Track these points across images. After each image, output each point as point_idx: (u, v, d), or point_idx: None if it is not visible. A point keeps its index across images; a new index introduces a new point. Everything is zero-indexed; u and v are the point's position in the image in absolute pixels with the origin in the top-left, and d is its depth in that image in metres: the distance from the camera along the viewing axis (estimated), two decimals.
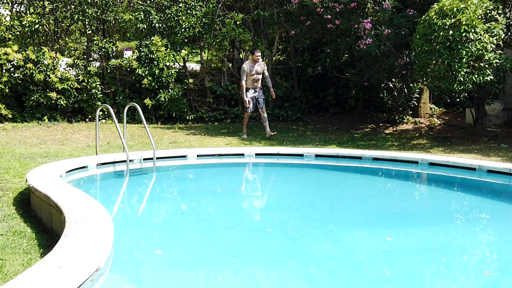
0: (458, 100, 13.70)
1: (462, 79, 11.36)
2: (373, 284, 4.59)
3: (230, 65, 16.32)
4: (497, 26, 11.78)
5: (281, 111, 15.63)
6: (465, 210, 7.49)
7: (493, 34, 11.73)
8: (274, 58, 16.46)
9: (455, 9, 11.52)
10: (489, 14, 12.10)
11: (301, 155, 9.89)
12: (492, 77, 11.65)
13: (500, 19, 12.05)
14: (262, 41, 15.67)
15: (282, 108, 15.76)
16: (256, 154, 9.97)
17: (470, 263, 5.25)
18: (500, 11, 12.59)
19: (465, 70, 11.39)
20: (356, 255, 5.34)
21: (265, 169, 10.03)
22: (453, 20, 11.43)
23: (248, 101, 12.64)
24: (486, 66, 11.62)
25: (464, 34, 11.30)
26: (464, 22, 11.36)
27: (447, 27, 11.42)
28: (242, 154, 9.99)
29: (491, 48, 11.65)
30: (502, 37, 12.12)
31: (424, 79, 12.70)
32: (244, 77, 12.53)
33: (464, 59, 11.37)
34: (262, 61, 13.29)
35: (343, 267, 5.04)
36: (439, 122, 14.44)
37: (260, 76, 12.69)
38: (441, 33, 11.45)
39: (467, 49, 11.32)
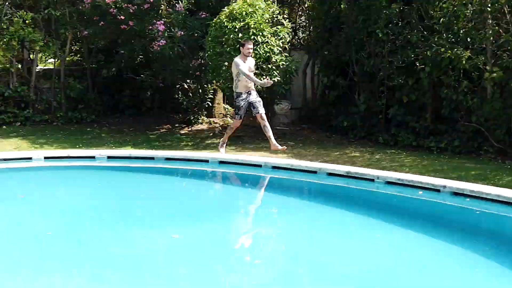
0: None
1: None
2: (163, 282, 4.63)
3: (19, 66, 15.49)
4: (283, 30, 12.46)
5: (74, 113, 15.13)
6: (251, 205, 7.83)
7: (279, 38, 12.38)
8: (67, 58, 15.91)
9: (244, 13, 11.99)
10: (276, 18, 12.76)
11: (93, 157, 9.68)
12: (279, 78, 12.29)
13: (286, 23, 12.75)
14: (54, 41, 15.07)
15: (75, 110, 15.28)
16: (45, 158, 9.56)
17: (256, 255, 5.49)
18: (285, 16, 13.31)
19: (255, 71, 11.87)
20: (144, 254, 5.34)
21: (54, 173, 9.64)
22: (242, 24, 11.89)
23: (240, 107, 10.04)
24: (274, 67, 12.24)
25: (252, 37, 11.79)
26: (252, 26, 11.86)
27: (237, 30, 11.85)
28: (30, 158, 9.53)
29: (278, 51, 12.29)
30: (288, 40, 12.83)
31: (217, 80, 13.04)
32: (243, 67, 9.81)
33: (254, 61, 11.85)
34: None
35: (131, 266, 5.01)
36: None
37: (251, 74, 10.25)
38: (232, 36, 11.85)
39: (256, 51, 11.83)
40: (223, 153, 10.00)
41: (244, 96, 9.95)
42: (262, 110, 10.06)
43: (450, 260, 5.39)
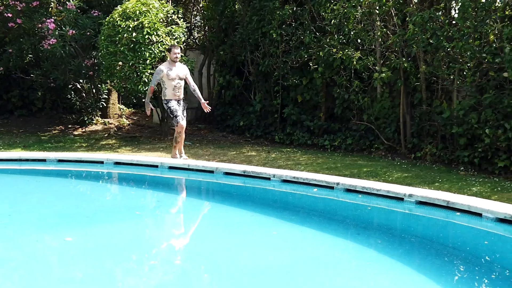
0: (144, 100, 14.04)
1: (147, 80, 11.69)
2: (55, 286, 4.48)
3: None
4: (178, 30, 12.38)
5: None
6: (148, 205, 7.72)
7: (174, 37, 12.29)
8: None
9: (138, 12, 11.81)
10: (170, 18, 12.66)
11: None
12: None
13: (180, 23, 12.67)
14: None
15: None
16: None
17: (152, 256, 5.41)
18: (180, 16, 13.23)
19: (149, 71, 11.74)
20: (36, 258, 5.15)
21: None
22: (136, 23, 11.71)
23: (173, 110, 9.63)
24: None
25: (147, 36, 11.65)
26: (146, 25, 11.71)
27: (130, 29, 11.66)
28: None
29: None
30: (183, 40, 12.77)
31: (111, 80, 12.78)
32: (155, 81, 9.66)
33: (148, 61, 11.72)
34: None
35: (23, 271, 4.81)
36: (128, 122, 14.68)
37: (182, 83, 9.75)
38: (125, 35, 11.65)
39: (151, 51, 11.70)
40: (186, 158, 9.79)
41: (173, 102, 9.65)
42: (184, 123, 9.73)
43: (344, 255, 5.56)
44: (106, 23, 12.09)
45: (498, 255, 5.54)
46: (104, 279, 4.67)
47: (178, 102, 9.70)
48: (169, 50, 9.75)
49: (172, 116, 9.78)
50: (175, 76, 9.57)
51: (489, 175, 8.80)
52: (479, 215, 6.13)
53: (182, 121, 9.68)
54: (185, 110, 9.91)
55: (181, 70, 9.75)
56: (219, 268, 5.03)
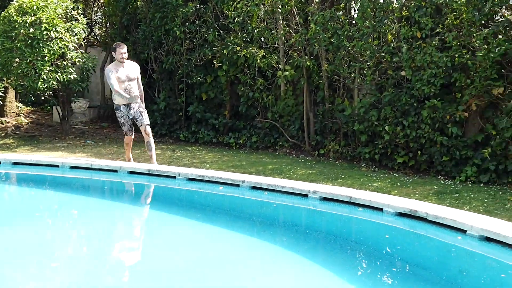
0: (44, 98, 13.60)
1: (46, 77, 11.31)
2: None
3: None
4: (78, 26, 12.03)
5: None
6: (48, 206, 7.45)
7: (74, 34, 11.95)
8: None
9: (35, 7, 11.40)
10: (70, 14, 12.29)
11: None
12: (76, 76, 11.89)
13: (80, 19, 12.33)
14: None
15: None
16: None
17: (53, 258, 5.22)
18: (80, 11, 12.88)
19: (48, 68, 11.36)
20: None
21: None
22: (33, 18, 11.29)
23: (122, 123, 8.91)
24: (70, 64, 11.81)
25: (45, 32, 11.27)
26: (45, 21, 11.31)
27: (28, 24, 11.23)
28: None
29: (74, 47, 11.87)
30: (83, 37, 12.43)
31: (7, 78, 12.26)
32: (113, 80, 8.47)
33: (47, 57, 11.33)
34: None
35: None
36: (26, 121, 14.14)
37: (133, 84, 8.71)
38: (22, 31, 11.21)
39: (50, 48, 11.32)
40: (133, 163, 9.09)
41: (123, 110, 8.77)
42: (146, 121, 8.86)
43: (250, 252, 5.57)
44: (1, 18, 11.59)
45: (398, 248, 5.72)
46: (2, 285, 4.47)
47: (128, 107, 8.78)
48: (113, 50, 8.67)
49: (120, 124, 9.06)
50: (125, 78, 8.60)
51: (389, 171, 9.10)
52: (380, 209, 6.31)
53: (130, 134, 9.00)
54: (141, 113, 8.87)
55: (132, 71, 8.76)
56: (121, 269, 4.93)
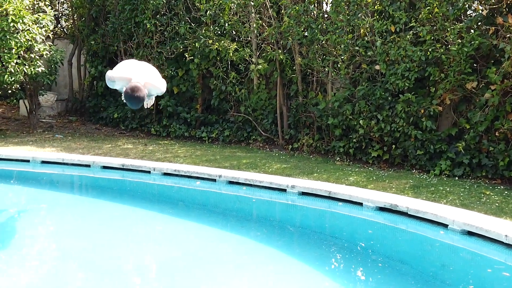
0: (11, 91, 13.30)
1: (13, 70, 11.03)
2: None
3: None
4: (45, 18, 11.77)
5: None
6: (17, 202, 7.27)
7: (42, 25, 11.68)
8: None
9: None
10: (37, 5, 12.02)
11: None
12: (43, 68, 11.64)
13: (48, 11, 12.06)
14: None
15: None
16: None
17: (24, 254, 5.09)
18: (48, 3, 12.61)
19: (15, 61, 11.09)
20: None
21: None
22: (0, 10, 10.99)
23: None
24: (37, 57, 11.55)
25: (12, 24, 10.97)
26: (11, 12, 11.02)
27: None
28: None
29: (41, 39, 11.61)
30: (51, 29, 12.17)
31: None
32: None
33: (14, 50, 11.06)
34: None
35: None
36: None
37: None
38: None
39: (16, 40, 11.03)
40: None
41: None
42: None
43: (226, 246, 5.51)
44: None
45: (378, 243, 5.73)
46: None
47: None
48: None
49: None
50: None
51: (363, 165, 9.12)
52: (360, 204, 6.32)
53: None
54: None
55: None
56: (94, 265, 4.81)
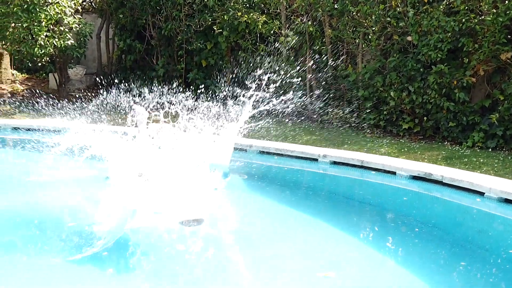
0: (40, 65, 13.42)
1: (42, 42, 11.10)
2: None
3: None
4: None
5: None
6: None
7: None
8: None
9: None
10: None
11: None
12: (73, 41, 11.69)
13: None
14: None
15: None
16: None
17: None
18: None
19: (45, 33, 11.15)
20: None
21: None
22: None
23: None
24: (66, 30, 11.60)
25: None
26: None
27: None
28: None
29: (70, 13, 11.65)
30: (80, 2, 12.20)
31: (3, 43, 12.03)
32: None
33: (44, 23, 11.11)
34: None
35: None
36: (22, 88, 13.93)
37: None
38: None
39: (46, 13, 11.08)
40: None
41: None
42: None
43: (265, 215, 5.50)
44: None
45: (412, 209, 5.69)
46: None
47: None
48: None
49: None
50: None
51: (394, 137, 9.05)
52: (393, 173, 6.27)
53: None
54: None
55: None
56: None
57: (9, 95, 13.04)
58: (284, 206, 5.77)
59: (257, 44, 11.28)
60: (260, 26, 10.84)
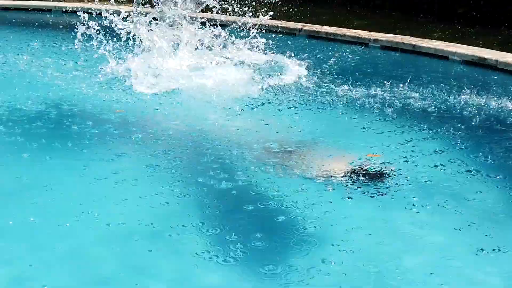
0: None
1: None
2: None
3: None
4: None
5: None
6: None
7: None
8: None
9: None
10: None
11: None
12: None
13: None
14: None
15: None
16: None
17: None
18: None
19: None
20: None
21: None
22: None
23: None
24: None
25: None
26: None
27: None
28: None
29: None
30: None
31: None
32: None
33: None
34: None
35: None
36: None
37: None
38: None
39: None
40: None
41: None
42: None
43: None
44: None
45: (465, 94, 5.55)
46: None
47: None
48: None
49: None
50: None
51: (448, 22, 8.77)
52: (446, 58, 6.14)
53: None
54: None
55: None
56: None
57: None
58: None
59: None
60: None
